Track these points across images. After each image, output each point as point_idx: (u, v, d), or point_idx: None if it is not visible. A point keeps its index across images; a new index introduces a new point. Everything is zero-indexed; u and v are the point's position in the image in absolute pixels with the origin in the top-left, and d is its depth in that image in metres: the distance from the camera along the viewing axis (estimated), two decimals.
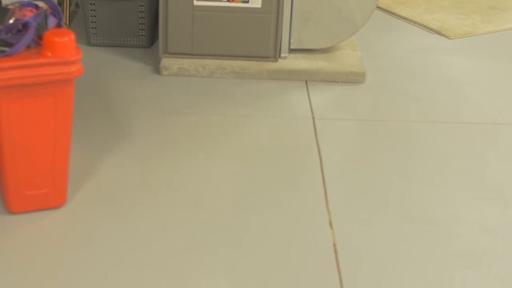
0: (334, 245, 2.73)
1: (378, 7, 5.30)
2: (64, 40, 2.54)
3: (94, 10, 4.29)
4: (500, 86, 4.18)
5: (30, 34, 2.53)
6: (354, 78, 4.09)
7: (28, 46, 2.56)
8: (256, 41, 4.08)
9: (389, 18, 5.22)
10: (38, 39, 2.58)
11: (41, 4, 2.68)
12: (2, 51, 2.50)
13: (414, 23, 5.11)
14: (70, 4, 4.65)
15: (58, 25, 2.64)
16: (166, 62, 4.07)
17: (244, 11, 4.03)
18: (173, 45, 4.08)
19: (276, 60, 4.12)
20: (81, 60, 2.60)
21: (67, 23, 4.58)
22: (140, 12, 4.29)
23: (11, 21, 2.59)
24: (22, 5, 2.69)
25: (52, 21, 2.62)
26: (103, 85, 3.90)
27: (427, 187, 3.14)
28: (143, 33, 4.35)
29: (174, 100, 3.78)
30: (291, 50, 4.21)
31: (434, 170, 3.27)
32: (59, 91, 2.62)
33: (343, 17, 4.12)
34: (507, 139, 3.58)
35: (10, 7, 2.76)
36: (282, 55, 4.16)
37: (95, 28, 4.33)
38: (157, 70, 4.08)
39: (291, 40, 4.16)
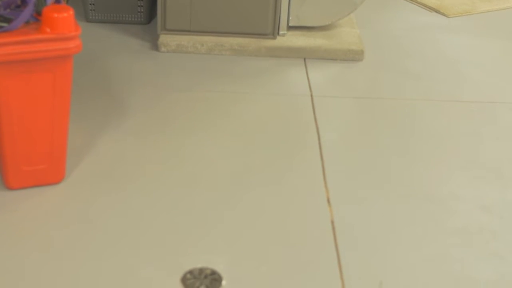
0: (332, 222, 2.74)
1: None
2: (63, 16, 2.53)
3: None
4: (499, 65, 4.18)
5: (29, 10, 2.52)
6: (352, 56, 4.08)
7: (27, 22, 2.55)
8: (255, 18, 4.07)
9: None
10: (37, 15, 2.57)
11: None
12: (1, 27, 2.49)
13: (413, 1, 5.09)
14: None
15: (57, 1, 2.63)
16: (164, 38, 4.06)
17: None
18: (172, 21, 4.06)
19: (274, 38, 4.11)
20: (80, 37, 2.59)
21: None
22: None
23: None
24: None
25: None
26: (101, 61, 3.90)
27: (424, 165, 3.14)
28: (142, 10, 4.33)
29: (172, 77, 3.77)
30: (290, 28, 4.20)
31: (432, 148, 3.27)
32: (57, 67, 2.61)
33: None
34: (505, 118, 3.59)
35: None
36: (280, 32, 4.14)
37: (93, 4, 4.31)
38: (155, 47, 4.06)
39: (290, 18, 4.15)
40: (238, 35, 4.10)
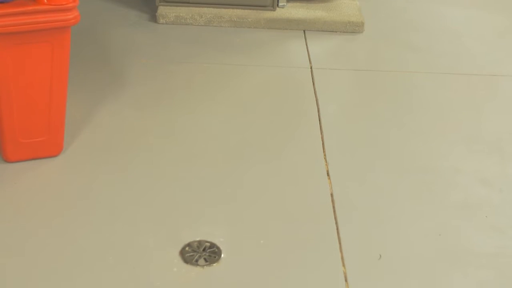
0: (331, 195, 2.73)
1: None
2: None
3: None
4: (500, 38, 4.15)
5: None
6: (352, 28, 4.06)
7: None
8: None
9: None
10: None
11: None
12: None
13: None
14: None
15: None
16: (163, 10, 4.03)
17: None
18: None
19: (274, 9, 4.08)
20: (78, 8, 2.57)
21: None
22: None
23: None
24: None
25: None
26: (99, 33, 3.87)
27: (424, 138, 3.13)
28: None
29: (171, 49, 3.75)
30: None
31: (431, 122, 3.26)
32: (55, 39, 2.59)
33: None
34: (506, 92, 3.57)
35: None
36: (280, 4, 4.12)
37: None
38: (154, 18, 4.04)
39: None
40: (237, 7, 4.08)
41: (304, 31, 4.03)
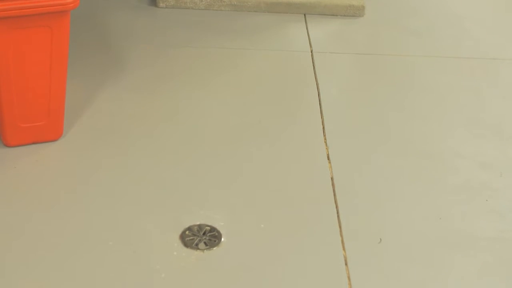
0: (332, 178, 2.73)
1: None
2: None
3: None
4: (501, 21, 4.14)
5: None
6: (353, 12, 4.04)
7: None
8: None
9: None
10: None
11: None
12: None
13: None
14: None
15: None
16: None
17: None
18: None
19: None
20: None
21: None
22: None
23: None
24: None
25: None
26: (99, 17, 3.86)
27: (424, 122, 3.13)
28: None
29: (171, 33, 3.74)
30: None
31: (432, 105, 3.26)
32: (55, 23, 2.58)
33: None
34: (506, 75, 3.56)
35: None
36: None
37: None
38: (154, 2, 4.02)
39: None
40: None
41: (304, 14, 4.01)
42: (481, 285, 2.34)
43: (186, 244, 2.38)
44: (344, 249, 2.42)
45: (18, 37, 2.56)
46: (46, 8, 2.52)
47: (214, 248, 2.39)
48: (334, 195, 2.65)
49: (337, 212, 2.57)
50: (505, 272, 2.40)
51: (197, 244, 2.39)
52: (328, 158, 2.84)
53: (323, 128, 3.02)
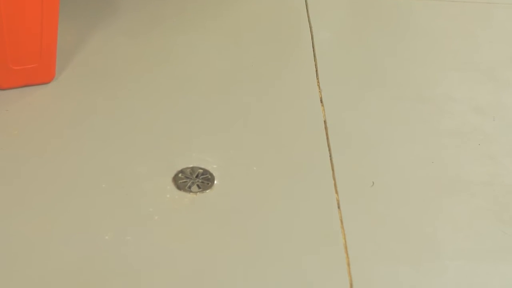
0: (325, 122, 2.73)
1: None
2: None
3: None
4: None
5: None
6: None
7: None
8: None
9: None
10: None
11: None
12: None
13: None
14: None
15: None
16: None
17: None
18: None
19: None
20: None
21: None
22: None
23: None
24: None
25: None
26: None
27: (418, 65, 3.12)
28: None
29: None
30: None
31: (426, 49, 3.24)
32: None
33: None
34: (501, 19, 3.55)
35: None
36: None
37: None
38: None
39: None
40: None
41: None
42: (473, 228, 2.36)
43: (179, 187, 2.39)
44: (336, 192, 2.43)
45: None
46: None
47: (207, 191, 2.39)
48: (327, 138, 2.64)
49: (330, 156, 2.57)
50: (497, 216, 2.41)
51: (190, 187, 2.39)
52: (321, 101, 2.84)
53: (316, 71, 3.01)
